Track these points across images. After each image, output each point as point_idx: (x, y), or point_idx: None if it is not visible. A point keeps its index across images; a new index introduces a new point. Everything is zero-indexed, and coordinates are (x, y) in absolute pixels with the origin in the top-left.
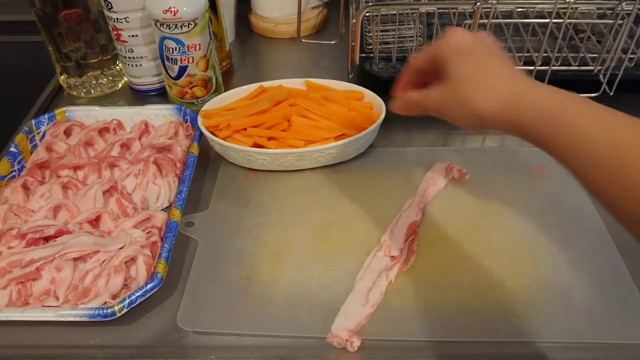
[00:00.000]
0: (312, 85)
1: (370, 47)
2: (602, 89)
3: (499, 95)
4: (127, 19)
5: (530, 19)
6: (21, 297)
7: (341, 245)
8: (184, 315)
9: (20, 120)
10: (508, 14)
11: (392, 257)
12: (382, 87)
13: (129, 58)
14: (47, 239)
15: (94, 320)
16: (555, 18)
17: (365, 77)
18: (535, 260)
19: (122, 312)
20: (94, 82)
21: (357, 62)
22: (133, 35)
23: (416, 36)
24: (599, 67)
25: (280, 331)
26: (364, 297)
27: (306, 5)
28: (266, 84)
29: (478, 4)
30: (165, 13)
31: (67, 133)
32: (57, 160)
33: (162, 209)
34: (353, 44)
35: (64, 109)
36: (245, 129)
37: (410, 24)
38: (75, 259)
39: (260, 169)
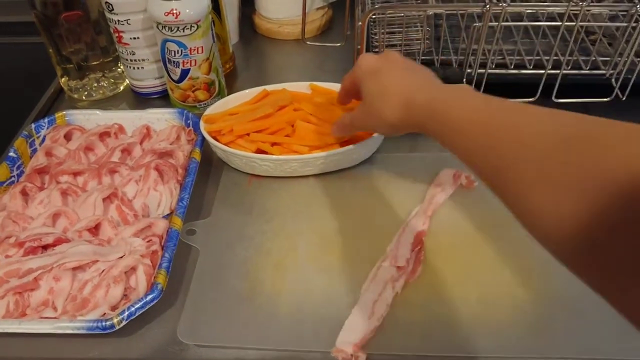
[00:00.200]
0: (317, 89)
1: (377, 50)
2: (614, 93)
3: (399, 105)
4: (129, 21)
5: (541, 21)
6: (18, 308)
7: (346, 254)
8: (184, 327)
9: (21, 124)
10: (517, 16)
11: (398, 267)
12: None
13: (131, 60)
14: (45, 248)
15: (93, 332)
16: (566, 21)
17: None
18: (547, 272)
19: (121, 325)
20: (95, 84)
21: None
22: (135, 38)
23: (423, 39)
24: (611, 71)
25: (283, 345)
26: (370, 309)
27: (311, 6)
28: (270, 87)
29: (487, 6)
30: (167, 15)
31: (68, 137)
32: (56, 165)
33: (163, 216)
34: (359, 47)
35: (64, 112)
36: (248, 134)
37: (417, 27)
38: (74, 269)
39: (263, 175)
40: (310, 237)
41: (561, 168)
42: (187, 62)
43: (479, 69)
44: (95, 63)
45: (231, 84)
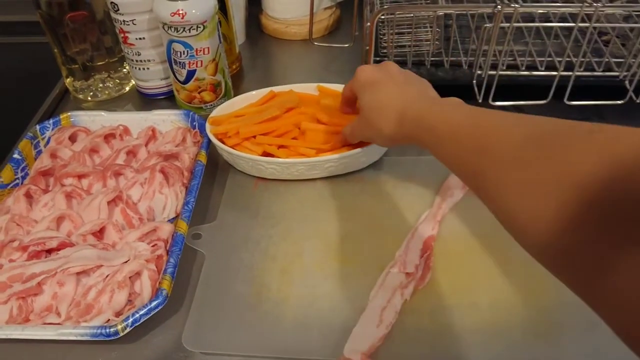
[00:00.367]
0: (325, 91)
1: (385, 51)
2: (628, 96)
3: (394, 118)
4: (134, 22)
5: (553, 22)
6: (22, 313)
7: (353, 260)
8: (189, 334)
9: (26, 124)
10: (529, 17)
11: (407, 273)
12: None
13: (136, 61)
14: (49, 252)
15: (96, 339)
16: (579, 22)
17: None
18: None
19: (125, 331)
20: (101, 85)
21: None
22: (140, 38)
23: (433, 40)
24: (625, 73)
25: (289, 353)
26: (378, 317)
27: (318, 6)
28: (277, 88)
29: (499, 7)
30: (172, 16)
31: (72, 139)
32: (61, 167)
33: (169, 220)
34: (367, 48)
35: (69, 113)
36: (254, 137)
37: (426, 27)
38: (78, 274)
39: (269, 178)
40: (316, 242)
41: (531, 170)
42: (193, 63)
43: (490, 70)
44: (100, 63)
45: (238, 85)
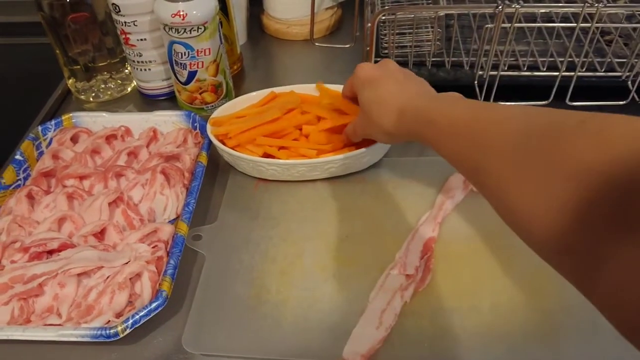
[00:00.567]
0: (325, 91)
1: (386, 51)
2: (631, 96)
3: (394, 114)
4: (136, 23)
5: (555, 22)
6: (23, 314)
7: (353, 261)
8: (189, 336)
9: (28, 125)
10: (531, 17)
11: (407, 275)
12: None
13: (138, 62)
14: (50, 253)
15: (97, 340)
16: (582, 22)
17: None
18: (560, 281)
19: (125, 333)
20: (103, 86)
21: None
22: (142, 39)
23: (434, 40)
24: (627, 73)
25: (289, 355)
26: (377, 319)
27: (320, 6)
28: (278, 89)
29: (500, 7)
30: (173, 17)
31: (74, 140)
32: (63, 169)
33: (169, 221)
34: (368, 48)
35: (71, 114)
36: (255, 139)
37: (427, 28)
38: (78, 275)
39: (270, 179)
40: (316, 243)
41: (530, 165)
42: (194, 64)
43: (491, 70)
44: (102, 64)
45: (239, 85)
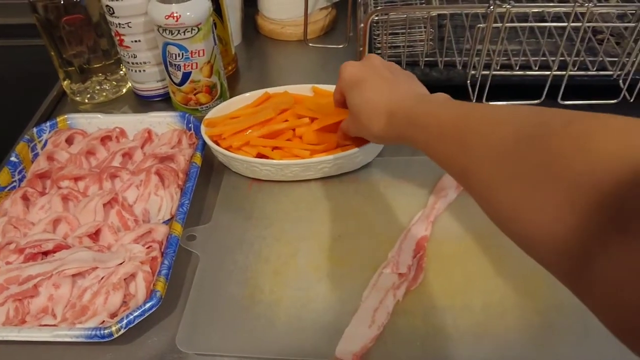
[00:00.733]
0: (319, 92)
1: (379, 51)
2: (622, 95)
3: (382, 117)
4: (130, 24)
5: (547, 21)
6: (18, 315)
7: (346, 261)
8: (183, 335)
9: (23, 127)
10: (523, 16)
11: (400, 274)
12: None
13: (132, 63)
14: (45, 254)
15: (91, 340)
16: (573, 20)
17: None
18: (553, 281)
19: (120, 333)
20: (98, 87)
21: None
22: (136, 41)
23: (427, 40)
24: (619, 72)
25: (283, 354)
26: (370, 317)
27: (314, 6)
28: (272, 90)
29: (491, 7)
30: (167, 19)
31: (69, 141)
32: (58, 170)
33: (164, 222)
34: (361, 49)
35: (65, 116)
36: (248, 143)
37: (420, 28)
38: (73, 276)
39: (264, 179)
40: (310, 243)
41: (517, 168)
42: (189, 65)
43: (483, 70)
44: (97, 66)
45: (234, 86)
